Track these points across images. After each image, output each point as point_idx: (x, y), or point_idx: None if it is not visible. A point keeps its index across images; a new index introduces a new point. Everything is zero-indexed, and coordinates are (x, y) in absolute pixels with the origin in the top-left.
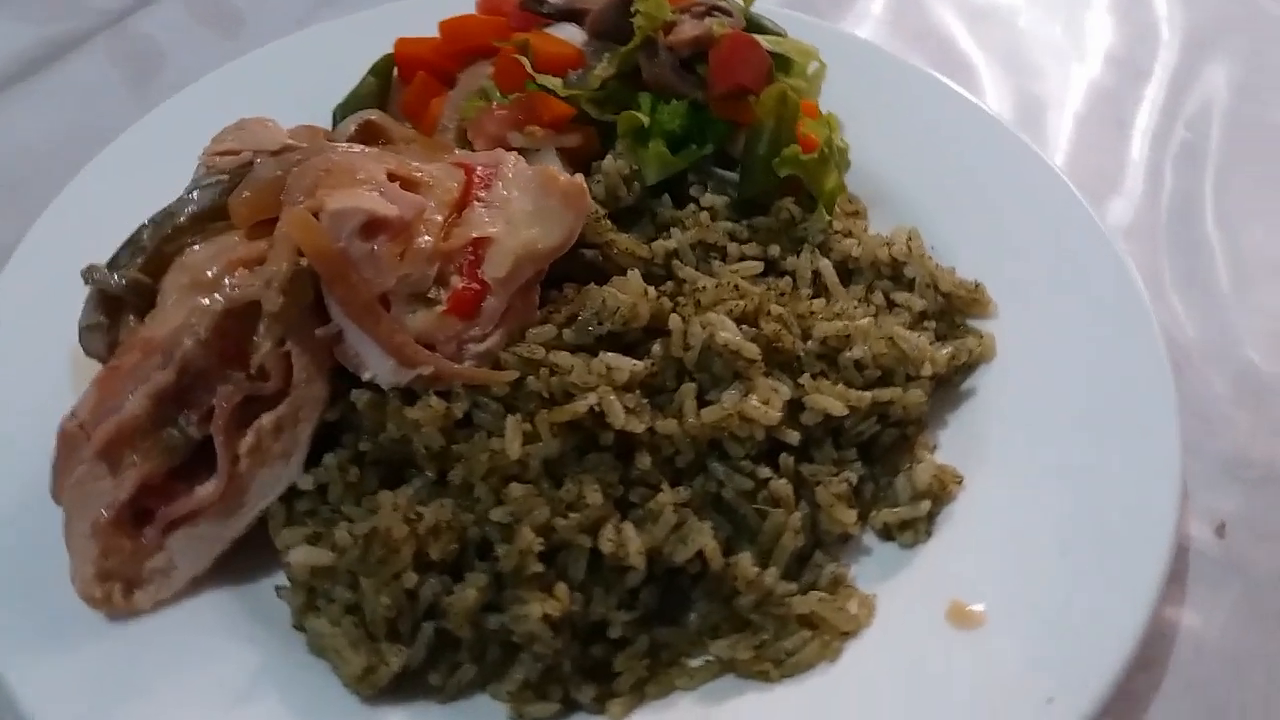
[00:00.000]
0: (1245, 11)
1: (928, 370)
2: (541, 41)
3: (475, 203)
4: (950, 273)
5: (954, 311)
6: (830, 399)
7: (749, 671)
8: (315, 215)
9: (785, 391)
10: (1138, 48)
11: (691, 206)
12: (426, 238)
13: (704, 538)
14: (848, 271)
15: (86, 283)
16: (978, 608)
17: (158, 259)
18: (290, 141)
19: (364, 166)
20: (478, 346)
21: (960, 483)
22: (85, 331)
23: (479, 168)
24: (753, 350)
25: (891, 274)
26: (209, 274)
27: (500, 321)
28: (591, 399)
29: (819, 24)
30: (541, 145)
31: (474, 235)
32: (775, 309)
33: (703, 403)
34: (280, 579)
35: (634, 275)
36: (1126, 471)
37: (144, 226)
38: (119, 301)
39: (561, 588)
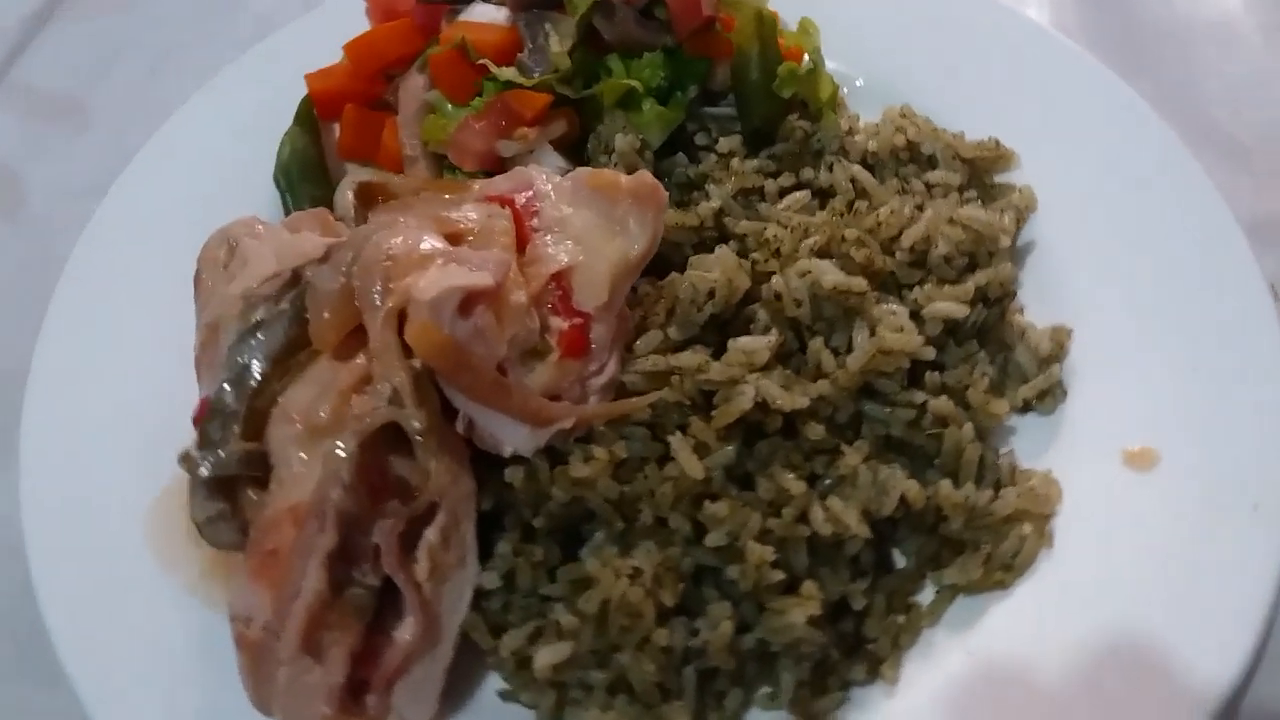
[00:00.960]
0: None
1: (1005, 241)
2: (475, 33)
3: (533, 234)
4: (962, 138)
5: (981, 173)
6: (946, 303)
7: (984, 587)
8: (404, 311)
9: (904, 311)
10: None
11: (713, 158)
12: (518, 292)
13: (902, 482)
14: (868, 167)
15: (191, 473)
16: (1148, 447)
17: (253, 419)
18: (331, 240)
19: (420, 240)
20: (599, 380)
21: (1070, 335)
22: (207, 526)
23: (517, 197)
24: (860, 283)
25: (910, 157)
26: (323, 415)
27: (612, 347)
28: (749, 391)
29: None
30: (535, 145)
31: (551, 270)
32: (850, 233)
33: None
34: None
35: (721, 251)
36: (1207, 275)
37: (221, 392)
38: (232, 481)
39: (809, 586)
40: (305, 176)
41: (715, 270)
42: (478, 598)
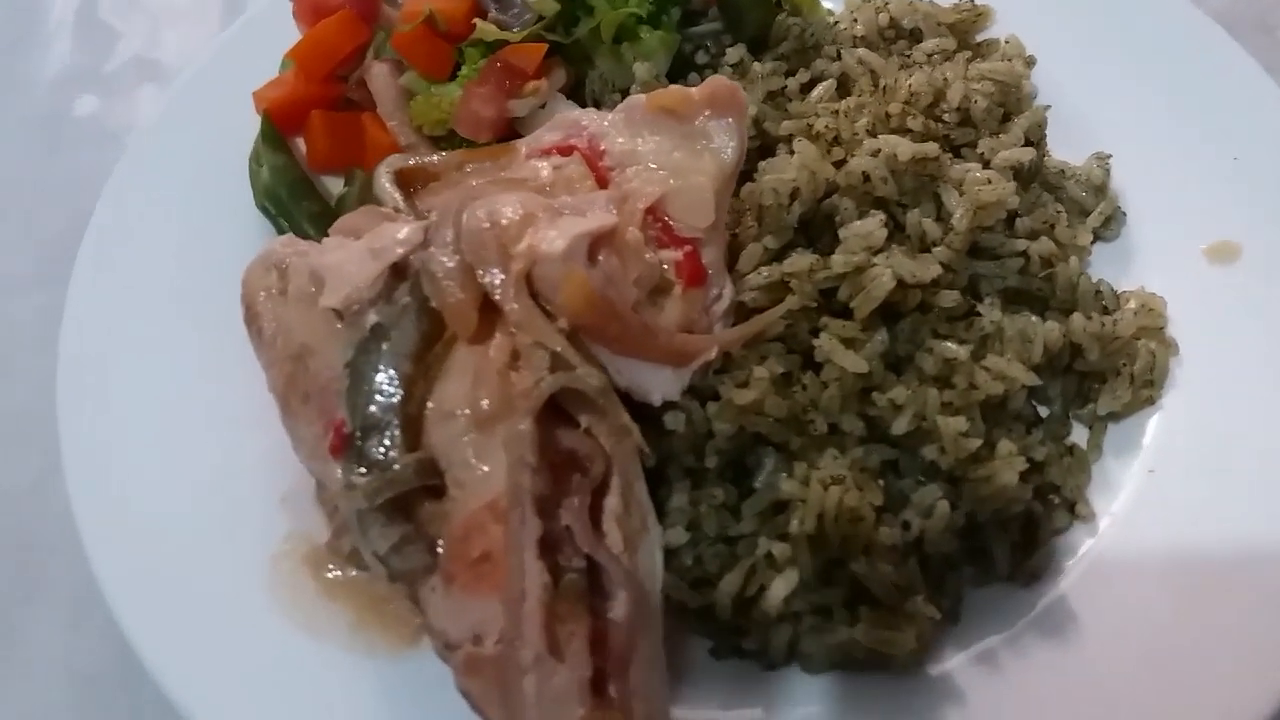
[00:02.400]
0: None
1: (1028, 86)
2: (438, 4)
3: (607, 173)
4: (934, 4)
5: (963, 35)
6: (1011, 151)
7: (1135, 407)
8: (531, 274)
9: (978, 166)
10: None
11: (728, 70)
12: (631, 229)
13: (1039, 327)
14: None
15: (368, 503)
16: (1224, 240)
17: (410, 427)
18: (422, 220)
19: (513, 200)
20: (721, 304)
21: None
22: (393, 555)
23: (574, 142)
24: (934, 148)
25: (896, 35)
26: (485, 404)
27: (725, 266)
28: (886, 273)
29: None
30: (548, 98)
31: (644, 203)
32: (894, 108)
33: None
34: None
35: (800, 146)
36: None
37: (364, 410)
38: (404, 499)
39: (1005, 444)
40: (296, 194)
41: (791, 170)
42: (668, 557)
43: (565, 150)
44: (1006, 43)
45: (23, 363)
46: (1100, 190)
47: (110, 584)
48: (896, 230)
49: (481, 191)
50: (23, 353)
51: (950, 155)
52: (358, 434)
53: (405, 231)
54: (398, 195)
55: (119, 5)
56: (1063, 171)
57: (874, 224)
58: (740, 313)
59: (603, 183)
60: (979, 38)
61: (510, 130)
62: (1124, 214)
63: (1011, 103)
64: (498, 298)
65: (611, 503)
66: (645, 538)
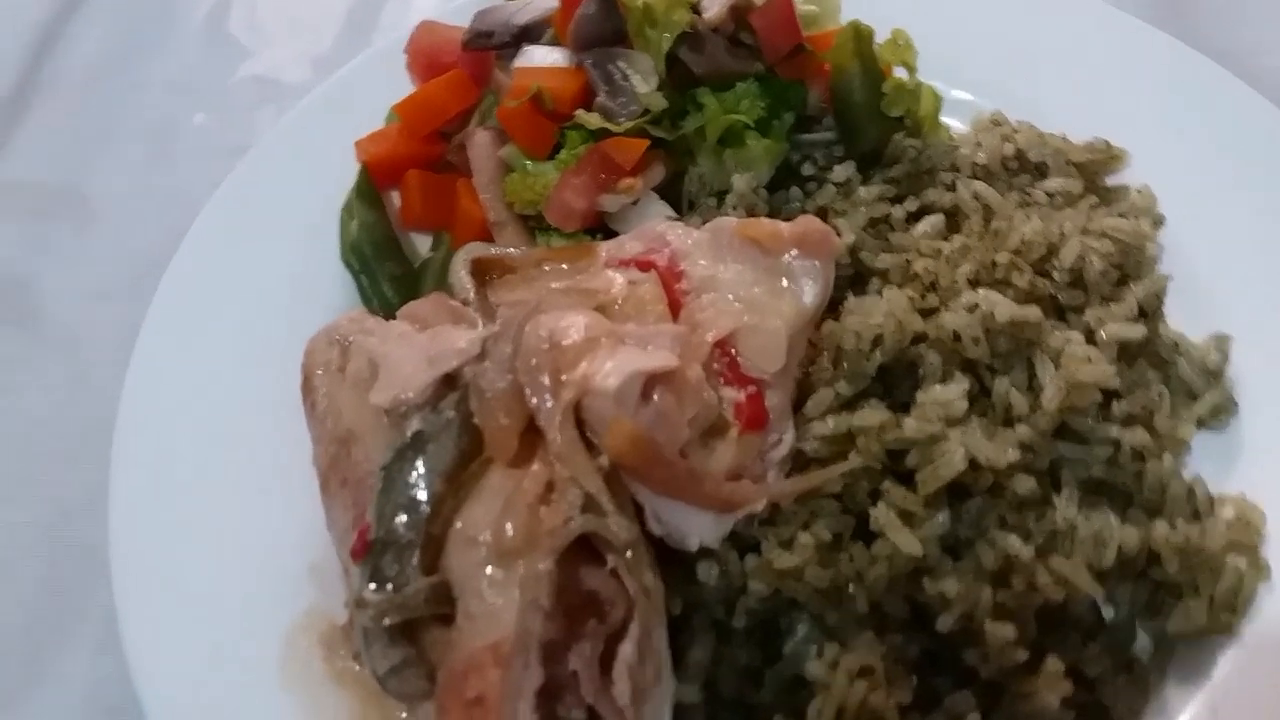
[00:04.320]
0: None
1: (1152, 249)
2: (547, 80)
3: (682, 298)
4: (1066, 140)
5: (1093, 176)
6: (1120, 324)
7: (1211, 631)
8: (580, 404)
9: (1080, 337)
10: None
11: (829, 187)
12: (694, 366)
13: (1118, 530)
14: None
15: (374, 621)
16: None
17: (430, 548)
18: (483, 333)
19: (580, 320)
20: (779, 451)
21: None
22: (390, 677)
23: (655, 257)
24: (1035, 312)
25: (1020, 166)
26: (511, 534)
27: (786, 413)
28: (958, 451)
29: None
30: (641, 196)
31: (715, 336)
32: (1002, 257)
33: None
34: None
35: (890, 294)
36: None
37: (390, 521)
38: (413, 623)
39: (1053, 661)
40: (381, 254)
41: (877, 314)
42: (677, 714)
43: (644, 265)
44: (1138, 193)
45: (99, 374)
46: (1214, 376)
47: (127, 623)
48: (981, 394)
49: (550, 302)
50: (101, 366)
51: (1055, 319)
52: (378, 545)
53: (464, 342)
54: (470, 287)
55: (250, 21)
56: (1176, 346)
57: (955, 392)
58: (799, 461)
59: (676, 307)
60: (1110, 180)
61: (599, 221)
62: (1236, 405)
63: (1131, 265)
64: (543, 424)
65: (626, 650)
66: (656, 690)
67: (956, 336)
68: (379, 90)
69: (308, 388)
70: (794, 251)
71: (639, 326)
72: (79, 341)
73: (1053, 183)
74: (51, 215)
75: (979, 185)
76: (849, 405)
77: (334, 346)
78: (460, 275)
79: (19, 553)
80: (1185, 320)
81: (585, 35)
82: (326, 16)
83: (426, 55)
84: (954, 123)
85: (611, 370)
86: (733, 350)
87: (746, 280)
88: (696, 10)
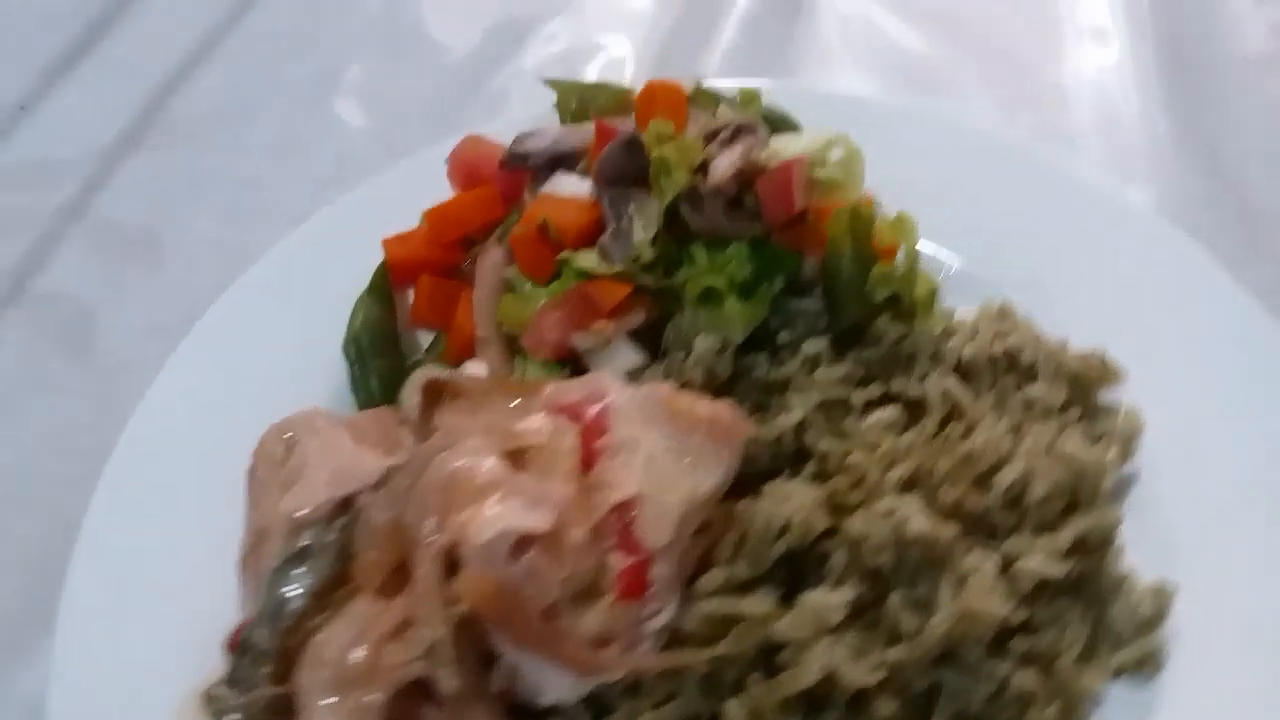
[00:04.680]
0: None
1: (1108, 482)
2: (557, 212)
3: (599, 456)
4: (1064, 344)
5: (1084, 389)
6: (1041, 558)
7: None
8: (454, 551)
9: (993, 564)
10: None
11: (797, 361)
12: (577, 529)
13: None
14: (964, 373)
15: (216, 716)
16: None
17: (285, 659)
18: (391, 462)
19: (480, 466)
20: (655, 622)
21: (1174, 596)
22: None
23: (588, 409)
24: (949, 532)
25: (1008, 365)
26: (355, 662)
27: (671, 589)
28: (817, 661)
29: (811, 89)
30: (611, 339)
31: (615, 498)
32: (943, 465)
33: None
34: None
35: (798, 485)
36: None
37: (254, 627)
38: None
39: None
40: (375, 348)
41: (791, 504)
42: None
43: (578, 416)
44: (1124, 416)
45: (128, 406)
46: (1145, 626)
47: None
48: (876, 606)
49: (462, 441)
50: (133, 398)
51: (984, 538)
52: (243, 645)
53: (368, 467)
54: (415, 407)
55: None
56: (1121, 585)
57: (837, 600)
58: (677, 635)
59: (591, 461)
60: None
61: (571, 357)
62: (1162, 659)
63: (1083, 494)
64: (413, 563)
65: None
66: None
67: (862, 541)
68: (422, 192)
69: (251, 476)
70: (705, 431)
71: (535, 482)
72: (121, 370)
73: (1037, 389)
74: (129, 255)
75: (951, 382)
76: (743, 588)
77: (281, 441)
78: (409, 394)
79: None
80: (1145, 558)
81: (608, 172)
82: (430, 103)
83: (467, 166)
84: (962, 306)
85: (486, 524)
86: (631, 516)
87: (660, 450)
88: (705, 168)
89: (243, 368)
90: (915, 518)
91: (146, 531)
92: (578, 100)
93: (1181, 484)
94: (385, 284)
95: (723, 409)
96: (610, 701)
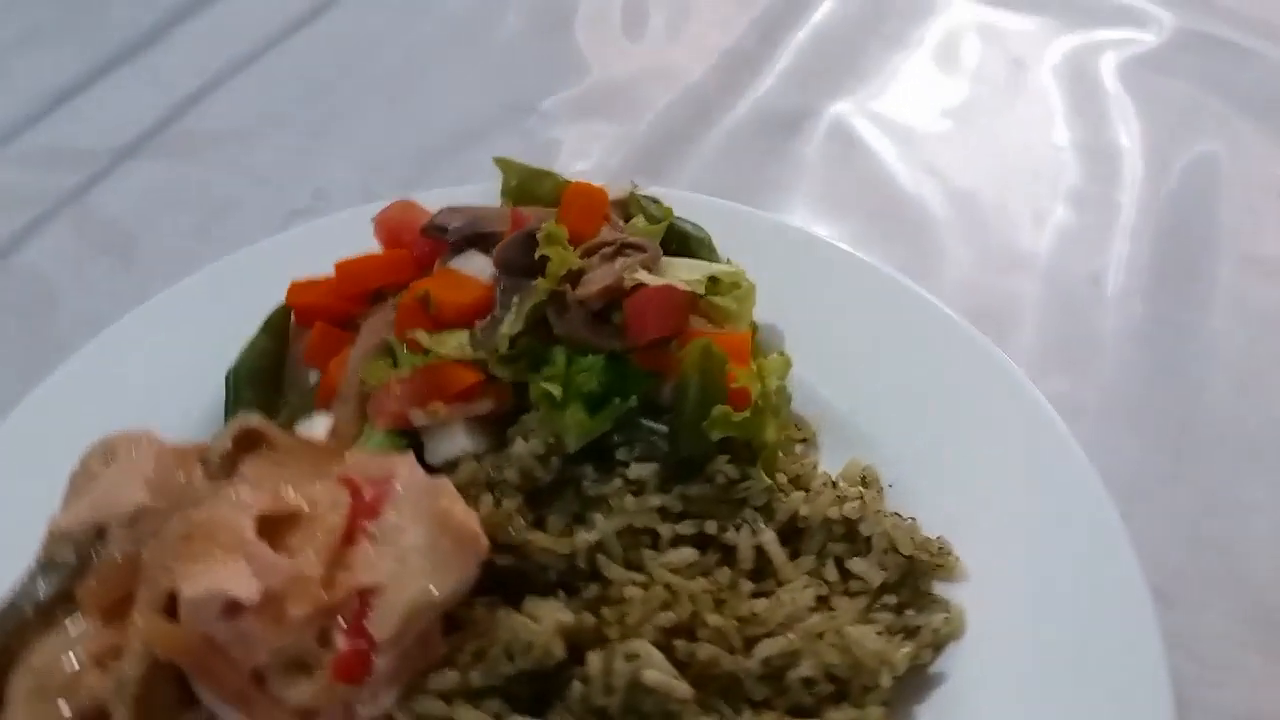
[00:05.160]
0: None
1: (886, 680)
2: (445, 288)
3: (363, 536)
4: (912, 526)
5: (917, 575)
6: None
7: None
8: (172, 599)
9: None
10: None
11: (618, 482)
12: (300, 606)
13: None
14: (796, 530)
15: None
16: None
17: (4, 657)
18: (146, 503)
19: (229, 522)
20: (367, 710)
21: None
22: None
23: (367, 488)
24: (684, 690)
25: (846, 532)
26: (56, 676)
27: (393, 680)
28: None
29: (753, 215)
30: (448, 421)
31: (359, 584)
32: (713, 620)
33: None
34: None
35: (552, 607)
36: None
37: None
38: None
39: None
40: (252, 381)
41: (536, 626)
42: None
43: (356, 494)
44: (947, 616)
45: None
46: None
47: None
48: None
49: (217, 501)
50: None
51: (730, 704)
52: None
53: (127, 502)
54: (223, 448)
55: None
56: None
57: None
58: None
59: (351, 539)
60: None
61: (410, 429)
62: None
63: (855, 687)
64: (136, 601)
65: None
66: None
67: (590, 679)
68: (348, 243)
69: (70, 480)
70: (450, 540)
71: (268, 552)
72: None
73: (858, 564)
74: (104, 251)
75: (769, 538)
76: (474, 695)
77: (102, 455)
78: (223, 435)
79: None
80: None
81: (506, 260)
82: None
83: (392, 227)
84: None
85: (197, 581)
86: (368, 603)
87: (416, 546)
88: (578, 276)
89: (134, 380)
90: (653, 668)
91: None
92: (519, 181)
93: (991, 698)
94: (282, 324)
95: (465, 523)
96: None
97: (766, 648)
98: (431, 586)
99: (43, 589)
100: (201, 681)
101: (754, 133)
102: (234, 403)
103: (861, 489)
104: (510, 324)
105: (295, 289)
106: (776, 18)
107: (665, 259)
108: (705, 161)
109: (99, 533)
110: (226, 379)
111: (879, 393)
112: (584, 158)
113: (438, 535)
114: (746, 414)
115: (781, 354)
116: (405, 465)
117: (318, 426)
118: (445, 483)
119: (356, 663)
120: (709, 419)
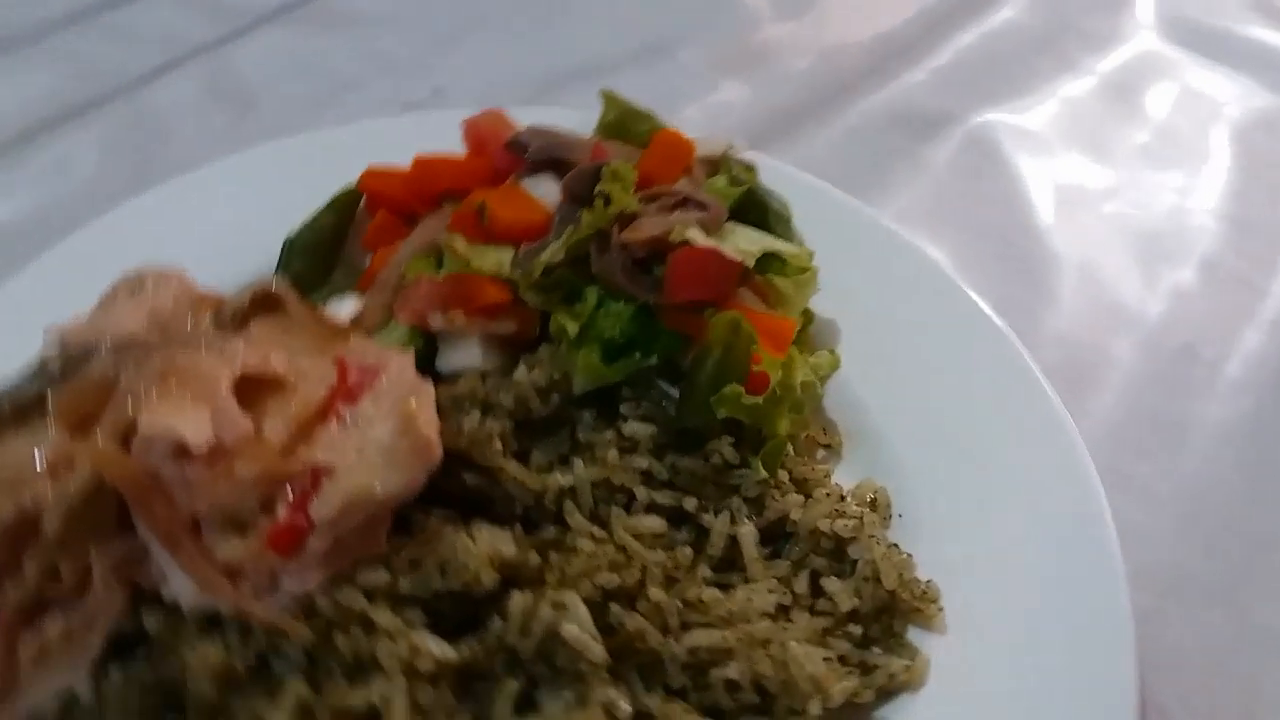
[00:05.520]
0: None
1: (815, 708)
2: (504, 203)
3: (335, 418)
4: (905, 562)
5: (893, 615)
6: None
7: None
8: (133, 430)
9: (626, 710)
10: None
11: (610, 434)
12: (250, 466)
13: None
14: (785, 534)
15: None
16: None
17: None
18: (140, 334)
19: (208, 372)
20: (291, 584)
21: None
22: None
23: (354, 373)
24: (598, 653)
25: (834, 548)
26: (7, 471)
27: (324, 563)
28: (377, 690)
29: (848, 204)
30: (465, 332)
31: (318, 460)
32: (655, 594)
33: (526, 703)
34: None
35: (496, 536)
36: None
37: None
38: None
39: None
40: (305, 251)
41: (472, 551)
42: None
43: (342, 379)
44: (910, 664)
45: None
46: None
47: None
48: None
49: (201, 349)
50: None
51: (645, 682)
52: None
53: (123, 330)
54: (240, 305)
55: None
56: None
57: (440, 651)
58: (300, 603)
59: (321, 419)
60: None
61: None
62: None
63: (779, 708)
64: (102, 421)
65: (55, 627)
66: (64, 669)
67: (509, 618)
68: (438, 142)
69: (100, 299)
70: (408, 444)
71: (236, 412)
72: None
73: (833, 584)
74: (226, 102)
75: (746, 531)
76: (399, 601)
77: (132, 284)
78: (243, 292)
79: None
80: None
81: (571, 189)
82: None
83: (478, 134)
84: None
85: (154, 418)
86: (319, 484)
87: (380, 439)
88: (628, 221)
89: (202, 226)
90: (575, 621)
91: None
92: (616, 116)
93: None
94: (349, 204)
95: (432, 429)
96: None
97: (698, 637)
98: (377, 483)
99: (21, 390)
100: (139, 514)
101: (887, 125)
102: (283, 268)
103: (866, 510)
104: (552, 252)
105: (371, 174)
106: (947, 13)
107: (731, 225)
108: (827, 143)
109: (89, 350)
110: (283, 245)
111: (922, 419)
112: (703, 113)
113: (399, 436)
114: (758, 400)
115: (832, 352)
116: (398, 362)
117: (345, 308)
118: (426, 388)
119: (291, 535)
120: (718, 395)
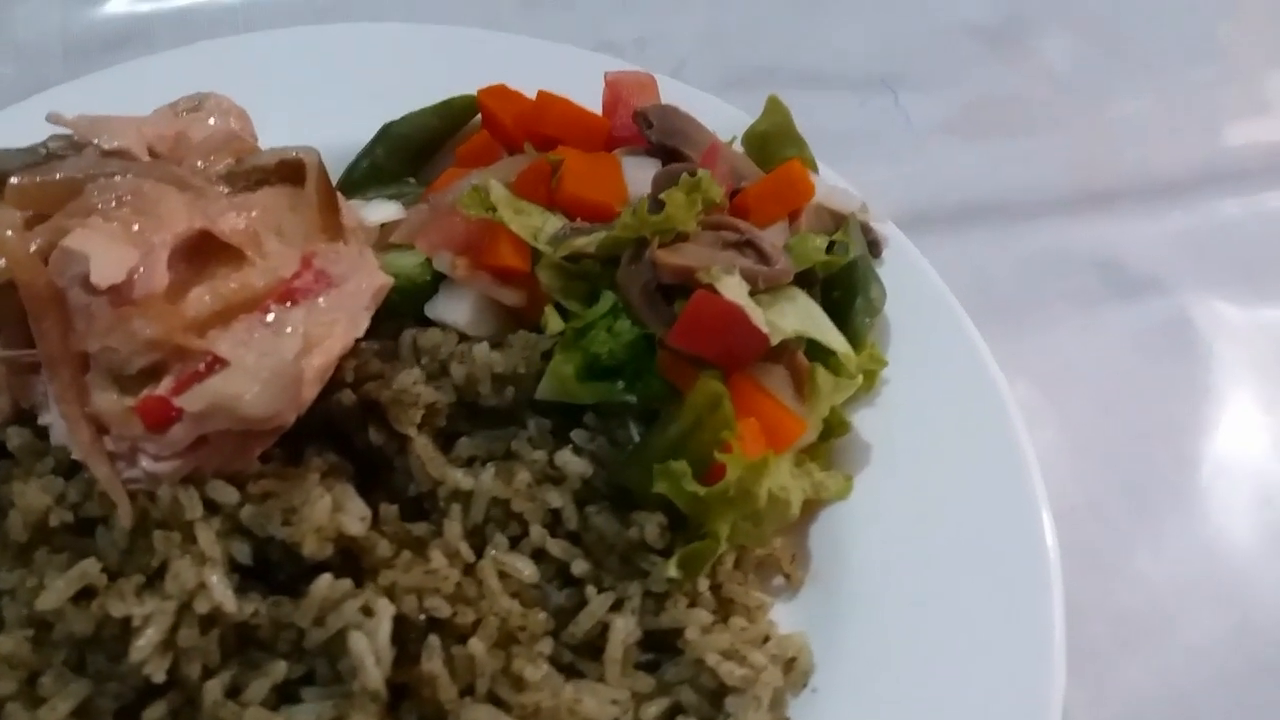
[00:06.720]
0: None
1: None
2: (581, 171)
3: (264, 312)
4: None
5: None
6: None
7: None
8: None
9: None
10: None
11: (542, 455)
12: (150, 326)
13: None
14: (668, 643)
15: None
16: None
17: None
18: (129, 150)
19: (164, 217)
20: (150, 463)
21: None
22: None
23: (311, 274)
24: (373, 680)
25: (714, 691)
26: None
27: (185, 454)
28: (150, 605)
29: (961, 328)
30: (463, 283)
31: (220, 351)
32: (476, 647)
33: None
34: None
35: (355, 507)
36: None
37: None
38: None
39: None
40: (394, 143)
41: (318, 517)
42: None
43: (308, 263)
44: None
45: None
46: None
47: None
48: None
49: (171, 195)
50: None
51: None
52: None
53: (113, 136)
54: (263, 164)
55: None
56: None
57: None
58: (147, 485)
59: (251, 306)
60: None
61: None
62: None
63: None
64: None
65: None
66: None
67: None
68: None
69: (163, 109)
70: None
71: (162, 267)
72: None
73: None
74: None
75: (622, 625)
76: (234, 528)
77: (192, 102)
78: (274, 153)
79: None
80: None
81: (657, 181)
82: None
83: (617, 92)
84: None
85: (79, 240)
86: (210, 371)
87: (280, 355)
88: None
89: (310, 79)
90: (365, 637)
91: None
92: (768, 128)
93: None
94: (459, 112)
95: (309, 372)
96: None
97: (481, 714)
98: (247, 398)
99: (10, 162)
100: (33, 327)
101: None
102: (367, 148)
103: (777, 667)
104: (589, 240)
105: (494, 91)
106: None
107: (793, 291)
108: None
109: (77, 147)
110: (380, 129)
111: (911, 604)
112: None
113: (293, 360)
114: (700, 491)
115: (847, 478)
116: (359, 283)
117: (379, 212)
118: (355, 325)
119: (159, 411)
120: (663, 466)
